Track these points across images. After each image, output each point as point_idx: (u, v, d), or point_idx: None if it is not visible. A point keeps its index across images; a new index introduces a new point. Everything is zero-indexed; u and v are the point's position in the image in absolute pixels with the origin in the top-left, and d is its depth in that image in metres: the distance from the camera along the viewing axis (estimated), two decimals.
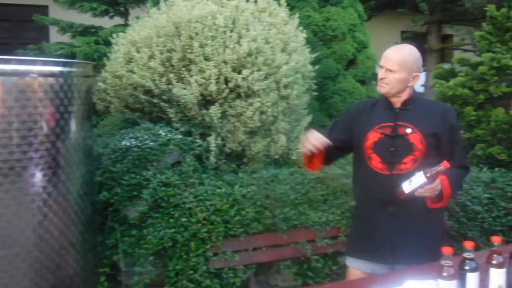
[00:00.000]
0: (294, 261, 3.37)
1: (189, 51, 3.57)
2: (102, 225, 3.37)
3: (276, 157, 3.85)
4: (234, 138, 3.63)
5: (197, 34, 3.56)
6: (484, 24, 5.46)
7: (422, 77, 10.08)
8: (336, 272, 3.43)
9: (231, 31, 3.62)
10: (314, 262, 3.32)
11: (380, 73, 2.24)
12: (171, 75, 3.60)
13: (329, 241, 3.33)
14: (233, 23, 3.69)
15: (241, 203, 3.27)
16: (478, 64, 5.12)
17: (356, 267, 2.41)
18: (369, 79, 5.31)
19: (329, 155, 2.31)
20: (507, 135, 4.76)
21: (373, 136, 2.23)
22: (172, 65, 3.66)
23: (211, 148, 3.55)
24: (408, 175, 2.09)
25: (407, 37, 13.93)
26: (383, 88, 2.24)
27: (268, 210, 3.29)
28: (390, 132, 2.22)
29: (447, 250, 1.63)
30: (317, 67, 4.48)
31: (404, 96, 2.26)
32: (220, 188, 3.34)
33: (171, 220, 3.17)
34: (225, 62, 3.51)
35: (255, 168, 3.62)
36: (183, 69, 3.62)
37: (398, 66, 2.19)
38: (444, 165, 1.96)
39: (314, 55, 4.38)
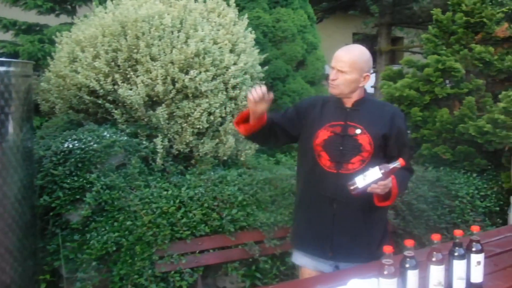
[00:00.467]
0: (242, 263, 3.37)
1: (135, 51, 3.52)
2: (43, 230, 3.26)
3: (225, 158, 3.84)
4: (182, 140, 3.60)
5: (143, 33, 3.50)
6: (430, 27, 5.64)
7: (372, 78, 10.29)
8: (284, 273, 3.45)
9: (179, 31, 3.58)
10: (262, 263, 3.33)
11: (332, 74, 2.24)
12: (116, 76, 3.54)
13: (277, 242, 3.35)
14: (181, 23, 3.66)
15: (188, 205, 3.24)
16: (424, 66, 5.29)
17: (302, 264, 2.41)
18: (318, 80, 5.37)
19: (263, 129, 2.28)
20: (451, 135, 4.93)
21: (323, 134, 2.24)
22: (118, 65, 3.59)
23: (157, 150, 3.50)
24: (354, 175, 2.10)
25: (358, 39, 14.21)
26: (334, 89, 2.25)
27: (215, 212, 3.29)
28: (340, 131, 2.23)
29: (387, 249, 1.66)
30: (266, 68, 4.50)
31: (355, 96, 2.28)
32: (166, 190, 3.31)
33: (116, 223, 3.12)
34: (172, 62, 3.47)
35: (203, 169, 3.60)
36: (129, 69, 3.56)
37: (349, 67, 2.20)
38: (401, 162, 2.00)
39: (263, 56, 4.40)
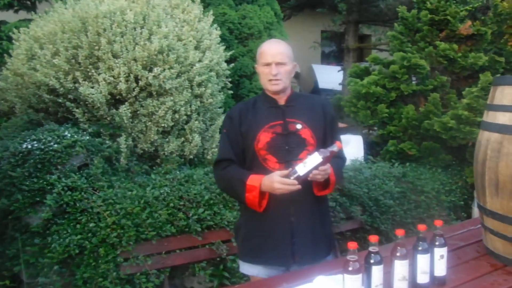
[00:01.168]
0: (210, 262, 3.34)
1: (96, 48, 3.45)
2: (1, 234, 3.17)
3: (191, 157, 3.81)
4: (146, 138, 3.55)
5: (105, 30, 3.44)
6: (396, 24, 5.73)
7: (340, 76, 10.22)
8: None
9: (142, 27, 3.53)
10: (230, 262, 3.31)
11: (273, 70, 2.12)
12: (77, 73, 3.47)
13: None
14: (144, 19, 3.61)
15: (154, 206, 3.20)
16: (390, 63, 5.37)
17: (253, 274, 2.31)
18: None
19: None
20: (417, 131, 5.02)
21: (265, 137, 2.15)
22: (79, 63, 3.52)
23: (121, 149, 3.45)
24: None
25: (326, 37, 14.33)
26: (278, 85, 2.15)
27: (181, 212, 3.25)
28: (282, 130, 2.16)
29: (352, 245, 1.66)
30: (232, 65, 4.49)
31: (288, 91, 2.23)
32: (131, 190, 3.25)
33: (78, 226, 3.05)
34: (135, 59, 3.41)
35: (169, 168, 3.56)
36: (90, 66, 3.49)
37: (288, 57, 2.16)
38: (338, 145, 1.99)
39: (229, 53, 4.38)
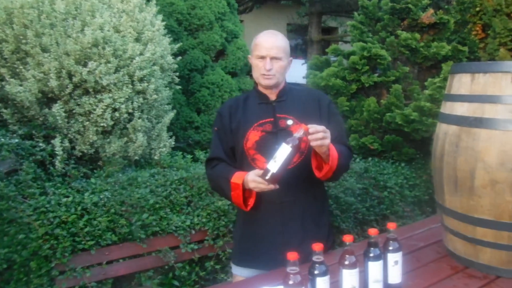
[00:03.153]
0: (157, 271, 3.21)
1: (23, 41, 3.24)
2: None
3: (136, 158, 3.63)
4: (85, 140, 3.35)
5: (32, 21, 3.22)
6: (356, 14, 5.66)
7: (304, 69, 10.21)
8: (204, 278, 3.34)
9: (74, 18, 3.33)
10: (179, 270, 3.18)
11: (267, 64, 2.09)
12: (3, 70, 3.26)
13: (195, 246, 3.23)
14: (76, 9, 3.40)
15: (92, 212, 3.03)
16: (350, 54, 5.29)
17: (243, 275, 2.29)
18: (240, 70, 5.22)
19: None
20: (379, 125, 4.95)
21: (254, 136, 2.13)
22: (5, 58, 3.31)
23: (56, 152, 3.24)
24: (295, 169, 2.06)
25: (291, 30, 14.30)
26: (271, 79, 2.13)
27: (123, 218, 3.09)
28: (272, 128, 2.13)
29: (292, 255, 1.53)
30: (179, 58, 4.31)
31: (281, 86, 2.20)
32: (67, 197, 3.06)
33: (6, 238, 2.84)
34: (67, 53, 3.22)
35: (110, 171, 3.38)
36: (17, 62, 3.28)
37: (283, 52, 2.12)
38: (304, 128, 1.87)
39: (177, 46, 4.21)
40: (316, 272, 1.58)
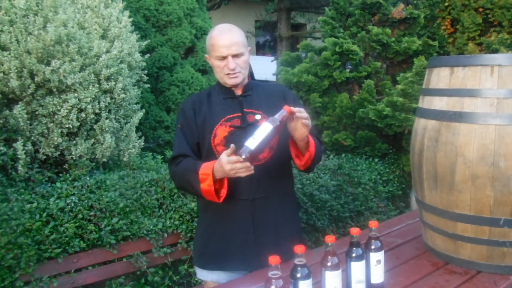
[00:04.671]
0: (129, 277, 3.16)
1: None
2: None
3: (104, 160, 3.52)
4: (49, 142, 3.23)
5: None
6: (326, 9, 5.66)
7: (274, 66, 10.17)
8: (178, 282, 3.30)
9: (35, 14, 3.20)
10: (152, 275, 3.11)
11: (230, 64, 2.03)
12: None
13: (168, 250, 3.17)
14: (38, 5, 3.26)
15: (59, 219, 2.93)
16: (321, 50, 5.28)
17: (213, 280, 2.22)
18: (210, 68, 5.15)
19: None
20: (351, 121, 4.95)
21: (222, 131, 2.08)
22: None
23: (19, 156, 3.11)
24: (267, 164, 2.07)
25: (260, 26, 14.28)
26: (238, 78, 2.08)
27: (92, 223, 2.99)
28: (240, 123, 2.10)
29: (273, 259, 1.48)
30: (148, 56, 4.20)
31: (245, 81, 2.17)
32: (31, 203, 2.95)
33: None
34: (28, 52, 3.09)
35: (77, 174, 3.26)
36: None
37: (243, 46, 2.08)
38: (286, 109, 1.83)
39: (145, 43, 4.11)
40: (298, 275, 1.55)
